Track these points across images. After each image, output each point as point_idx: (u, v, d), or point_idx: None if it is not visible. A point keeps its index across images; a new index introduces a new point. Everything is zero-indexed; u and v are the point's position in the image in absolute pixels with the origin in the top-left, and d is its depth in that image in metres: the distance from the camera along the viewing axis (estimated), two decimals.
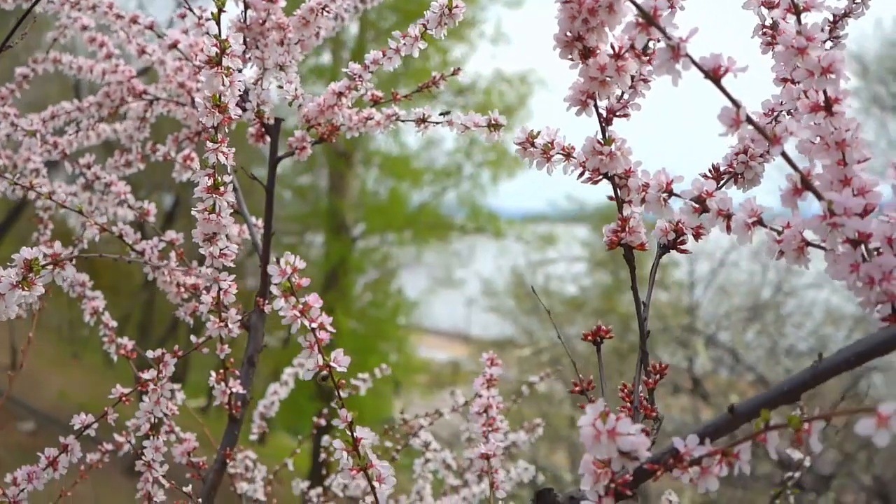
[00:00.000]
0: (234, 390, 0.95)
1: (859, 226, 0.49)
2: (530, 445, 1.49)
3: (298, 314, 0.60)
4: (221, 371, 0.94)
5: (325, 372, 0.62)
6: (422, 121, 0.93)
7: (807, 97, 0.54)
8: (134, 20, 1.08)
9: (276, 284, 0.60)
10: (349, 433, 0.64)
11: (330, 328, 0.62)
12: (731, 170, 0.67)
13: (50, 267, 0.65)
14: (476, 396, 0.95)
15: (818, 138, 0.54)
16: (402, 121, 0.95)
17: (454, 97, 10.25)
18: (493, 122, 0.82)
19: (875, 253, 0.51)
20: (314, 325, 0.61)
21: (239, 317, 0.89)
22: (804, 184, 0.50)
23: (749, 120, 0.49)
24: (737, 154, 0.67)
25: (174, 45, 1.01)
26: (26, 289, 0.66)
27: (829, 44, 0.72)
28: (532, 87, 10.69)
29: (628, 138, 0.60)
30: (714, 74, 0.50)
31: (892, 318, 0.49)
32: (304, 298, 0.61)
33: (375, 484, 0.63)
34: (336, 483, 1.31)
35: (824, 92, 0.52)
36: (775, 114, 0.68)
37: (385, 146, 11.85)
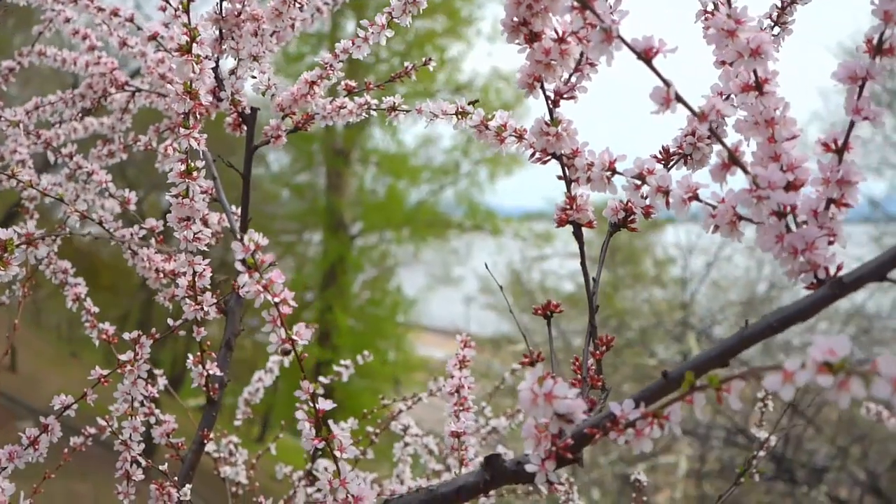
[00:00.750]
0: (211, 372, 0.98)
1: (783, 198, 0.52)
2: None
3: (262, 289, 0.63)
4: (198, 354, 0.97)
5: (287, 346, 0.65)
6: (392, 109, 0.96)
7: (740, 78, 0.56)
8: (115, 13, 1.11)
9: (239, 260, 0.63)
10: (311, 405, 0.66)
11: (292, 303, 0.64)
12: (680, 151, 0.70)
13: (24, 246, 0.68)
14: (448, 377, 0.98)
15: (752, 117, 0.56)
16: (374, 109, 0.97)
17: (451, 95, 10.28)
18: (460, 109, 0.85)
19: (802, 225, 0.54)
20: (277, 299, 0.64)
21: (214, 300, 0.91)
22: (732, 159, 0.53)
23: (678, 98, 0.52)
24: (685, 136, 0.70)
25: (153, 37, 1.03)
26: (2, 268, 0.69)
27: (776, 29, 0.75)
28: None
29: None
30: (646, 55, 0.52)
31: (815, 286, 0.52)
32: (267, 274, 0.64)
33: (337, 453, 0.66)
34: (321, 468, 1.34)
35: (754, 72, 0.55)
36: (723, 97, 0.71)
37: (383, 144, 11.88)
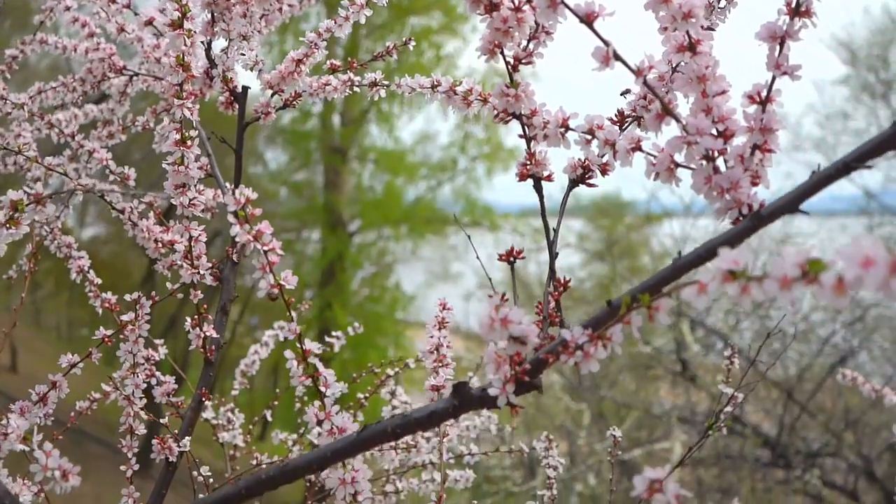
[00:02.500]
0: (207, 335, 1.04)
1: (710, 143, 0.59)
2: (526, 433, 1.57)
3: (252, 238, 0.70)
4: (196, 317, 1.03)
5: (275, 290, 0.71)
6: (374, 84, 1.02)
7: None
8: (112, 0, 1.17)
9: (231, 212, 0.69)
10: (298, 345, 0.73)
11: (280, 251, 0.71)
12: (633, 113, 0.76)
13: (33, 205, 0.74)
14: (428, 337, 1.05)
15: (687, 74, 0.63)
16: (357, 86, 1.04)
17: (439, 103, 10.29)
18: (434, 83, 0.91)
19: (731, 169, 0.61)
20: (266, 248, 0.70)
21: (209, 264, 0.98)
22: (665, 110, 0.60)
23: (617, 56, 0.59)
24: (638, 99, 0.76)
25: (149, 22, 1.10)
26: (13, 226, 0.75)
27: (723, 2, 0.81)
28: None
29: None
30: (588, 19, 0.59)
31: (738, 221, 0.59)
32: (257, 226, 0.70)
33: (322, 388, 0.73)
34: (314, 433, 1.40)
35: (687, 34, 0.62)
36: (674, 64, 0.77)
37: (380, 141, 11.94)
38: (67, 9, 1.27)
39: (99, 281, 1.18)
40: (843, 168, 0.54)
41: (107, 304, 1.14)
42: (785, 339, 6.72)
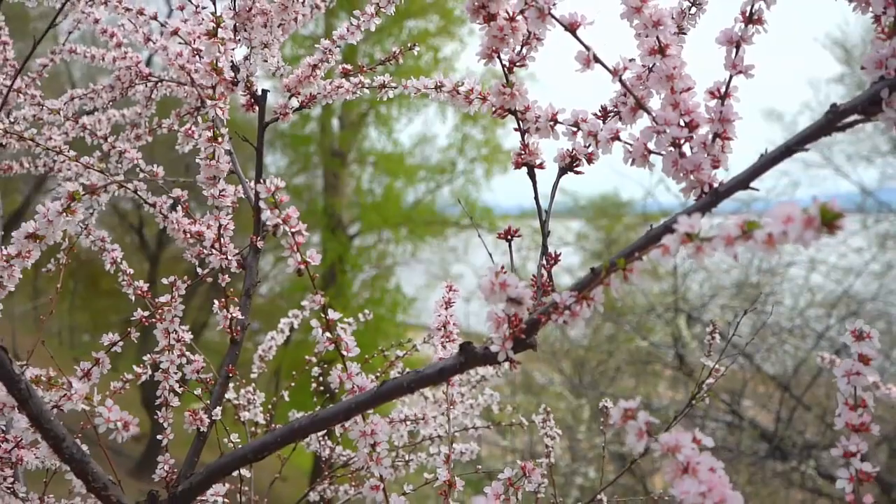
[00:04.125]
0: (234, 316, 1.15)
1: (676, 133, 0.69)
2: (529, 434, 1.67)
3: (281, 221, 0.80)
4: (223, 299, 1.14)
5: (302, 266, 0.82)
6: (382, 86, 1.12)
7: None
8: (140, 12, 1.27)
9: (262, 199, 0.79)
10: (323, 315, 0.83)
11: (305, 233, 0.81)
12: (615, 109, 0.86)
13: (88, 195, 0.85)
14: (436, 316, 1.15)
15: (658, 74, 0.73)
16: (367, 87, 1.14)
17: (443, 102, 10.39)
18: (438, 84, 1.02)
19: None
20: (294, 230, 0.80)
21: (236, 250, 1.08)
22: (637, 104, 0.70)
23: (596, 59, 0.69)
24: (619, 96, 0.86)
25: (175, 32, 1.20)
26: (70, 215, 0.85)
27: (693, 9, 0.92)
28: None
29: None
30: (571, 28, 0.69)
31: (701, 197, 0.69)
32: (286, 210, 0.80)
33: (344, 352, 0.83)
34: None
35: (658, 39, 0.72)
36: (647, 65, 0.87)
37: (379, 145, 12.05)
38: (97, 21, 1.37)
39: (130, 270, 1.29)
40: (786, 150, 0.64)
41: (139, 292, 1.24)
42: (781, 333, 6.84)
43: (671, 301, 5.79)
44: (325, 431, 1.59)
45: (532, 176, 0.83)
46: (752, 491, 6.08)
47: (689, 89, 0.72)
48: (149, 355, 1.25)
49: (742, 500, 0.57)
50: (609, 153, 0.75)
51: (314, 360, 1.51)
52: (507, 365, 0.75)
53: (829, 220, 0.46)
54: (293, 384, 1.61)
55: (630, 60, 0.73)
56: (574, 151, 0.84)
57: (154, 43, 1.34)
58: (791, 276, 7.19)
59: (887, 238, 8.19)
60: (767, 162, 0.65)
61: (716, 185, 0.69)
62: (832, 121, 0.63)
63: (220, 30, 0.90)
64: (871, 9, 0.66)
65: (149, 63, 1.54)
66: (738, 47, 0.70)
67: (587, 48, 0.69)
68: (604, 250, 10.25)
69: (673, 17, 0.86)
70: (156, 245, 10.42)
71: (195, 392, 1.11)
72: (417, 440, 1.39)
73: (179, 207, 1.23)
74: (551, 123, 0.79)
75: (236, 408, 1.45)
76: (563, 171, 0.86)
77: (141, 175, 1.25)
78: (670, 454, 0.58)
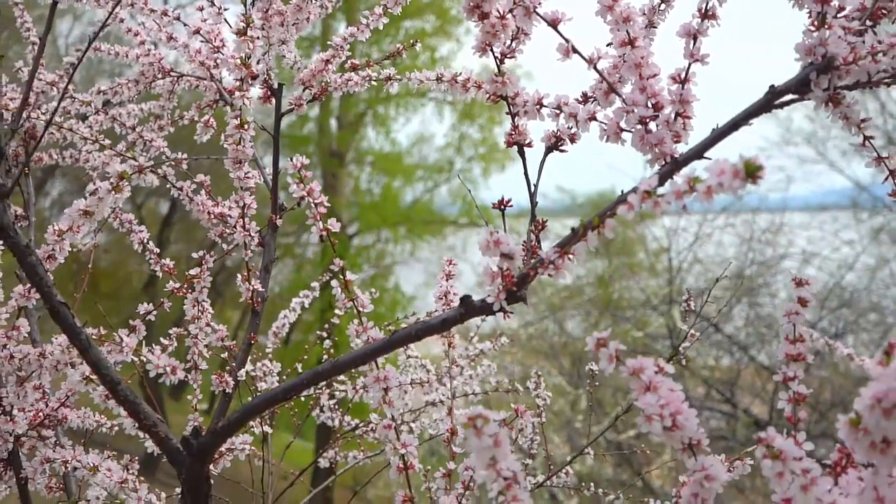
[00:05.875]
0: (255, 288, 1.27)
1: (643, 112, 0.81)
2: (531, 431, 1.79)
3: (306, 194, 0.92)
4: (245, 273, 1.26)
5: (324, 232, 0.94)
6: (388, 79, 1.25)
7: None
8: (164, 13, 1.39)
9: (290, 175, 0.92)
10: (342, 276, 0.95)
11: (327, 204, 0.93)
12: (593, 94, 0.99)
13: (136, 174, 0.97)
14: (438, 286, 1.27)
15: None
16: (374, 81, 1.27)
17: (443, 93, 10.53)
18: (438, 76, 1.14)
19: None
20: (316, 201, 0.93)
21: (258, 228, 1.20)
22: (610, 88, 0.82)
23: (574, 50, 0.81)
24: (596, 83, 0.99)
25: (197, 31, 1.32)
26: (118, 192, 0.98)
27: (663, 5, 1.04)
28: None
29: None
30: (553, 23, 0.81)
31: (664, 167, 0.81)
32: (309, 184, 0.93)
33: (360, 308, 0.95)
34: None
35: (627, 33, 0.84)
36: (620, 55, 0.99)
37: (377, 145, 12.16)
38: (122, 21, 1.49)
39: (157, 250, 1.41)
40: (734, 125, 0.77)
41: (166, 269, 1.36)
42: (773, 325, 6.98)
43: (666, 293, 5.92)
44: (337, 402, 1.71)
45: (521, 153, 0.95)
46: (747, 479, 6.21)
47: (655, 76, 0.85)
48: (174, 329, 1.37)
49: (695, 414, 0.69)
50: (587, 131, 0.88)
51: (322, 335, 1.63)
52: (500, 315, 0.87)
53: (751, 172, 0.58)
54: (305, 358, 1.73)
55: (608, 45, 0.85)
56: (558, 132, 0.96)
57: (176, 41, 1.46)
58: (785, 268, 7.33)
59: (880, 232, 8.33)
60: (718, 136, 0.77)
61: (676, 156, 0.81)
62: (770, 99, 0.76)
63: (248, 28, 1.02)
64: (805, 6, 0.78)
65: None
66: (695, 39, 0.83)
67: (567, 40, 0.81)
68: (602, 248, 10.39)
69: (644, 13, 0.98)
70: (156, 245, 10.52)
71: (222, 355, 1.23)
72: (421, 406, 1.51)
73: (203, 191, 1.35)
74: (537, 107, 0.91)
75: (253, 379, 1.57)
76: (549, 150, 0.98)
77: (166, 163, 1.36)
78: (636, 375, 0.70)
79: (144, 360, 0.90)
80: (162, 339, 1.39)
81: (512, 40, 0.91)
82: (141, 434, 1.00)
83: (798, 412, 0.77)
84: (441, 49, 11.29)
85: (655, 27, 0.99)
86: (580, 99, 0.98)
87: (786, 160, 8.78)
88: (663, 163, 0.81)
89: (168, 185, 1.37)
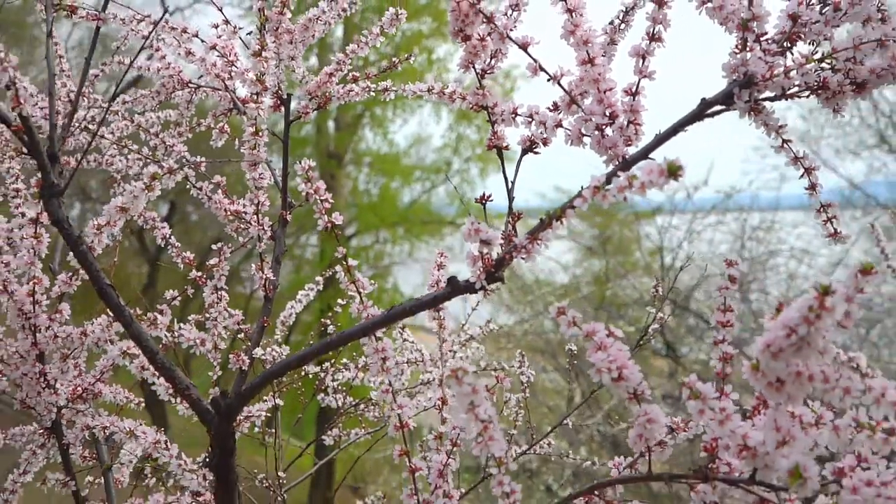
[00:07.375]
0: (268, 277, 1.42)
1: (600, 120, 0.97)
2: (527, 428, 1.94)
3: (313, 192, 1.07)
4: (259, 263, 1.41)
5: (329, 224, 1.09)
6: (386, 90, 1.40)
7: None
8: (184, 30, 1.55)
9: (298, 175, 1.07)
10: (345, 262, 1.11)
11: (331, 200, 1.09)
12: (561, 105, 1.14)
13: (167, 175, 1.12)
14: (430, 276, 1.42)
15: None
16: (374, 91, 1.42)
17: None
18: (430, 87, 1.29)
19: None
20: (322, 198, 1.08)
21: (271, 222, 1.36)
22: (571, 100, 0.98)
23: (541, 68, 0.97)
24: (563, 95, 1.14)
25: (213, 47, 1.48)
26: (150, 191, 1.13)
27: (622, 25, 1.19)
28: (516, 82, 11.19)
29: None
30: (523, 46, 0.97)
31: (617, 166, 0.97)
32: (315, 183, 1.08)
33: (361, 289, 1.10)
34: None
35: (587, 52, 1.00)
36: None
37: (375, 146, 12.31)
38: (144, 38, 1.64)
39: (178, 245, 1.56)
40: (672, 131, 0.92)
41: (187, 261, 1.52)
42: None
43: (656, 286, 6.07)
44: (340, 384, 1.86)
45: (500, 155, 1.10)
46: None
47: (610, 89, 1.00)
48: (192, 316, 1.53)
49: (638, 369, 0.84)
50: (555, 136, 1.03)
51: (327, 322, 1.78)
52: (482, 294, 1.02)
53: (673, 171, 0.74)
54: (311, 342, 1.87)
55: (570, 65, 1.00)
56: (532, 136, 1.11)
57: (194, 56, 1.62)
58: (776, 265, 7.49)
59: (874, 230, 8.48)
60: (658, 141, 0.93)
61: (627, 157, 0.97)
62: (702, 109, 0.91)
63: (263, 50, 1.17)
64: (732, 31, 0.93)
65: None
66: (643, 58, 0.98)
67: (535, 61, 0.97)
68: (598, 246, 10.55)
69: (606, 32, 1.14)
70: (155, 249, 10.70)
71: (239, 337, 1.38)
72: (415, 385, 1.66)
73: (220, 190, 1.50)
74: (512, 115, 1.06)
75: (263, 363, 1.72)
76: (524, 152, 1.13)
77: (186, 165, 1.52)
78: (589, 337, 0.85)
79: (177, 334, 1.06)
80: (182, 324, 1.54)
81: (491, 58, 1.07)
82: (173, 399, 1.15)
83: (726, 368, 0.93)
84: (438, 51, 11.45)
85: (616, 44, 1.15)
86: (551, 108, 1.14)
87: (779, 159, 8.93)
88: (617, 163, 0.97)
89: (173, 187, 1.52)
